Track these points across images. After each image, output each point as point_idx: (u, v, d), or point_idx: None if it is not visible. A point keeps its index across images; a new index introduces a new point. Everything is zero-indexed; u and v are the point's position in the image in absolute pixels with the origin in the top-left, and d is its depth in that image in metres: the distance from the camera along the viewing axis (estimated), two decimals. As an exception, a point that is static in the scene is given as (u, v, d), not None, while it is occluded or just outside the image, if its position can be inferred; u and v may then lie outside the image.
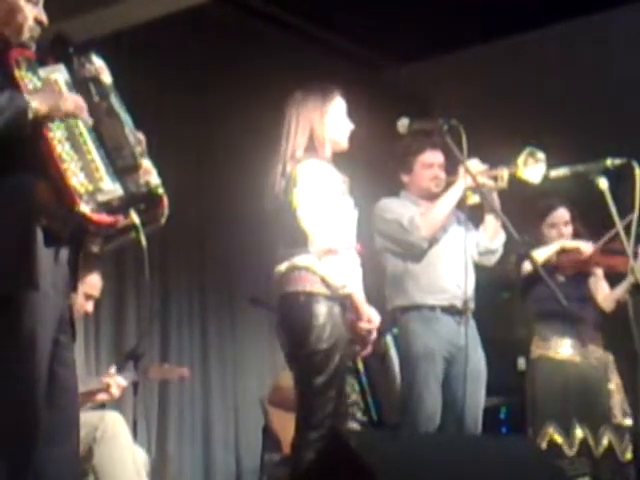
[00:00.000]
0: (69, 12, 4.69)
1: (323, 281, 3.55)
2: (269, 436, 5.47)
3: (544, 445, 4.50)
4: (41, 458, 2.62)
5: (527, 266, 4.70)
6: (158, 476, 4.52)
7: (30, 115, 2.53)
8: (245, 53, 6.37)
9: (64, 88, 2.71)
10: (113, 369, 4.58)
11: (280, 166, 3.66)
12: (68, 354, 2.77)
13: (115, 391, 4.48)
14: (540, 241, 4.84)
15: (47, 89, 2.66)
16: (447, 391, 4.31)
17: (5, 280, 2.55)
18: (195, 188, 6.14)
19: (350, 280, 3.58)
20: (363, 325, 3.62)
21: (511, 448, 3.17)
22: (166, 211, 2.73)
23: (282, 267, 3.63)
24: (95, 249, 2.78)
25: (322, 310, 3.52)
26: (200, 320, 6.61)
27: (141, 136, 2.78)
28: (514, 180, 4.35)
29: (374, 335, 3.68)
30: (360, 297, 3.61)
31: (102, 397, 4.43)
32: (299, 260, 3.59)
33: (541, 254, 4.71)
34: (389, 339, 4.97)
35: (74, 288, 2.83)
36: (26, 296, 2.57)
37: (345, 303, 3.59)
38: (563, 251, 4.80)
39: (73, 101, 2.64)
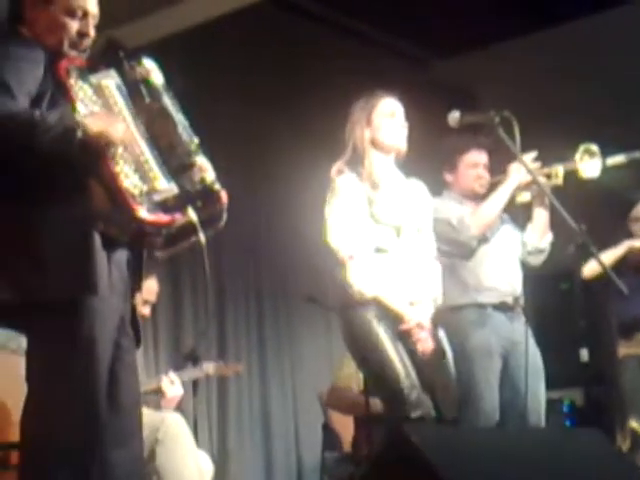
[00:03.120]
0: (120, 20, 4.72)
1: (349, 290, 3.63)
2: (329, 433, 5.47)
3: (628, 441, 4.48)
4: (107, 460, 2.64)
5: (594, 267, 4.62)
6: (220, 476, 4.54)
7: (78, 135, 2.54)
8: (295, 54, 6.36)
9: (115, 93, 2.72)
10: (171, 370, 4.62)
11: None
12: (130, 357, 2.78)
13: (175, 391, 4.50)
14: (631, 236, 4.82)
15: (102, 111, 2.67)
16: (507, 388, 4.29)
17: (66, 285, 2.56)
18: (249, 188, 6.16)
19: (372, 284, 3.58)
20: (404, 326, 3.63)
21: (580, 442, 3.12)
22: (225, 207, 2.72)
23: (334, 280, 3.73)
24: (159, 254, 2.78)
25: (362, 320, 3.60)
26: (256, 319, 6.64)
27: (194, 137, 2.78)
28: (570, 177, 4.31)
29: (419, 334, 3.67)
30: (388, 299, 3.62)
31: (164, 398, 4.47)
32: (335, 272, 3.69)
33: (609, 256, 4.68)
34: (442, 334, 4.92)
35: (138, 290, 2.85)
36: (85, 300, 2.58)
37: (381, 307, 3.62)
38: (631, 251, 4.77)
39: (123, 129, 2.65)
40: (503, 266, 4.36)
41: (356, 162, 3.74)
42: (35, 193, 2.58)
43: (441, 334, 4.67)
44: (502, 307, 4.34)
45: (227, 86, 6.31)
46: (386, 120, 3.76)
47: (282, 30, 6.36)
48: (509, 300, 4.34)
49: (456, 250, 4.36)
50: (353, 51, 6.55)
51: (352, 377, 5.13)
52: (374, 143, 3.74)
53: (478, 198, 4.41)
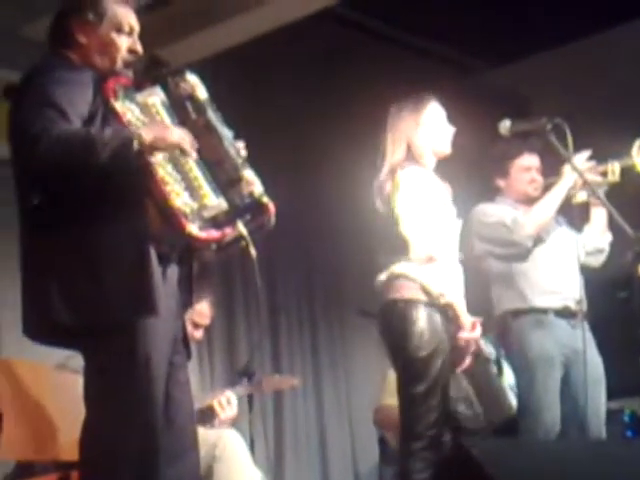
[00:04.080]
0: (166, 38, 4.77)
1: (422, 288, 3.52)
2: (386, 448, 5.43)
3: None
4: (163, 477, 2.64)
5: None
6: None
7: (135, 146, 2.56)
8: (342, 65, 6.37)
9: (161, 110, 2.74)
10: (227, 391, 4.62)
11: (380, 178, 3.65)
12: (182, 374, 2.80)
13: (230, 409, 4.50)
14: None
15: (153, 122, 2.69)
16: (567, 397, 4.22)
17: (125, 308, 2.57)
18: (299, 200, 6.15)
19: (449, 289, 3.53)
20: (464, 335, 3.56)
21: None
22: (273, 218, 2.72)
23: (382, 276, 3.62)
24: (207, 257, 2.79)
25: (421, 317, 3.51)
26: (310, 332, 6.63)
27: (241, 144, 2.78)
28: (629, 174, 4.24)
29: (474, 346, 3.62)
30: (460, 306, 3.56)
31: (221, 416, 4.47)
32: (398, 268, 3.58)
33: None
34: (487, 342, 4.86)
35: (188, 306, 2.85)
36: (141, 322, 2.59)
37: (445, 311, 3.54)
38: None
39: (179, 134, 2.66)
40: (562, 269, 4.29)
41: (412, 160, 3.67)
42: (93, 215, 2.60)
43: (488, 341, 4.61)
44: (564, 313, 4.27)
45: (275, 97, 6.34)
46: (437, 122, 3.73)
47: (329, 43, 6.38)
48: (571, 305, 4.26)
49: (511, 251, 4.30)
50: (401, 61, 6.55)
51: (395, 394, 5.09)
52: (424, 144, 3.69)
53: (532, 202, 4.36)
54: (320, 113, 6.38)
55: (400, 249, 3.58)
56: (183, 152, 2.65)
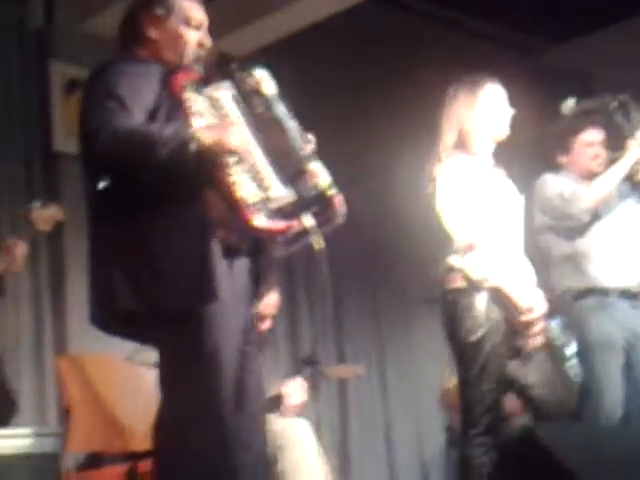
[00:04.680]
0: (225, 28, 4.80)
1: (466, 277, 3.51)
2: (453, 434, 5.41)
3: None
4: (234, 466, 2.67)
5: None
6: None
7: (194, 148, 2.58)
8: (399, 49, 6.34)
9: (228, 104, 2.75)
10: (290, 377, 4.63)
11: (430, 164, 3.63)
12: (255, 364, 2.82)
13: (296, 397, 4.52)
14: None
15: (217, 122, 2.71)
16: (630, 381, 4.14)
17: (188, 296, 2.59)
18: (361, 189, 6.13)
19: (496, 273, 3.49)
20: (522, 318, 3.52)
21: None
22: (341, 210, 2.72)
23: (438, 267, 3.62)
24: (277, 254, 2.81)
25: (468, 304, 3.49)
26: (373, 321, 6.63)
27: (311, 137, 2.79)
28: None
29: (539, 326, 3.57)
30: (511, 289, 3.51)
31: (294, 405, 4.49)
32: (448, 259, 3.58)
33: None
34: (554, 325, 4.78)
35: (259, 298, 2.87)
36: (208, 310, 2.61)
37: (498, 296, 3.51)
38: None
39: (238, 137, 2.67)
40: (625, 247, 4.20)
41: (461, 147, 3.64)
42: (155, 205, 2.63)
43: (554, 324, 4.54)
44: (626, 294, 4.19)
45: (332, 86, 6.32)
46: (490, 105, 3.68)
47: (385, 26, 6.35)
48: (633, 286, 4.18)
49: (567, 224, 4.23)
50: (460, 45, 6.50)
51: None
52: (479, 128, 3.65)
53: (596, 178, 4.28)
54: (379, 99, 6.35)
55: (446, 240, 3.58)
56: (240, 155, 2.66)
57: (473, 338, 3.46)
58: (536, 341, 3.61)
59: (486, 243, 3.52)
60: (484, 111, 3.65)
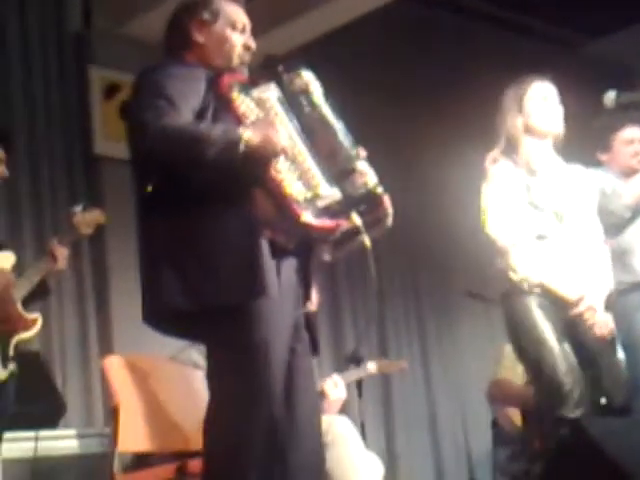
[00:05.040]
0: (262, 28, 4.81)
1: (508, 278, 3.59)
2: (499, 429, 5.39)
3: None
4: (286, 464, 2.69)
5: None
6: (390, 477, 4.54)
7: (242, 148, 2.60)
8: (443, 47, 6.33)
9: (276, 105, 2.77)
10: (334, 374, 4.64)
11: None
12: (305, 362, 2.82)
13: (333, 393, 4.52)
14: None
15: (264, 122, 2.72)
16: None
17: (238, 292, 2.61)
18: (403, 184, 6.13)
19: (537, 271, 3.50)
20: (574, 310, 3.54)
21: None
22: (389, 211, 2.73)
23: (492, 269, 3.67)
24: (326, 257, 2.82)
25: (522, 304, 3.54)
26: (416, 316, 6.62)
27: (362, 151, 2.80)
28: None
29: (593, 319, 3.57)
30: (554, 284, 3.54)
31: (337, 402, 4.49)
32: (498, 262, 3.63)
33: None
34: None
35: (307, 298, 2.88)
36: (257, 306, 2.62)
37: (547, 293, 3.55)
38: None
39: (287, 137, 2.69)
40: None
41: (510, 150, 3.69)
42: (203, 203, 2.65)
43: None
44: None
45: (374, 84, 6.32)
46: (539, 104, 3.68)
47: (430, 24, 6.33)
48: None
49: (609, 220, 4.21)
50: (503, 40, 6.47)
51: (512, 369, 5.04)
52: (528, 129, 3.66)
53: (636, 174, 4.27)
54: (423, 97, 6.34)
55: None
56: (288, 155, 2.68)
57: (534, 337, 3.49)
58: (601, 330, 3.61)
59: (525, 242, 3.55)
60: (532, 113, 3.65)
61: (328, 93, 2.80)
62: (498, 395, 5.31)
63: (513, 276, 3.56)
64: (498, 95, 3.74)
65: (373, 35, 6.09)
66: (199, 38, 2.86)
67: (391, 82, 6.37)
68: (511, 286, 3.58)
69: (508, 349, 4.86)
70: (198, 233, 2.64)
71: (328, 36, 5.74)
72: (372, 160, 2.77)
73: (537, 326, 3.52)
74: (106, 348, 5.18)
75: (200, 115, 2.70)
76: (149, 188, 2.70)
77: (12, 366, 3.46)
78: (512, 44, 6.46)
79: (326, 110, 2.77)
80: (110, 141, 5.43)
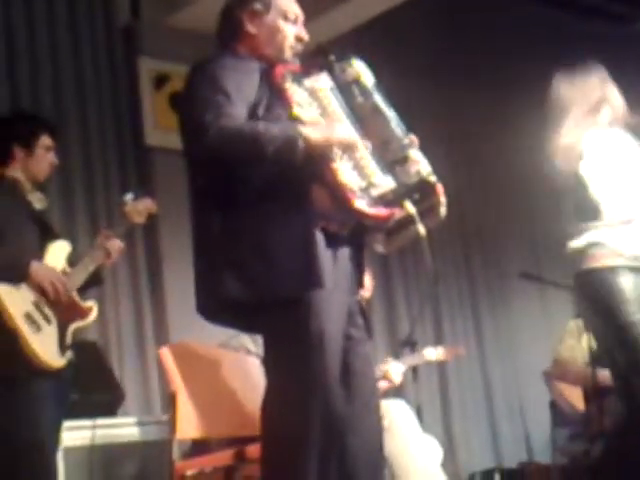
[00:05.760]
0: (309, 15, 4.80)
1: (617, 253, 3.43)
2: (557, 410, 5.35)
3: None
4: (346, 450, 2.70)
5: None
6: (448, 460, 4.53)
7: (301, 145, 2.62)
8: (490, 28, 6.27)
9: (328, 95, 2.78)
10: (389, 358, 4.64)
11: (562, 140, 3.55)
12: (362, 348, 2.83)
13: (395, 377, 4.52)
14: None
15: (320, 116, 2.73)
16: None
17: (293, 283, 2.63)
18: (455, 166, 6.10)
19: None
20: None
21: None
22: (443, 199, 2.72)
23: (576, 243, 3.53)
24: (380, 249, 2.83)
25: (626, 283, 3.41)
26: (470, 299, 6.59)
27: (415, 139, 2.78)
28: None
29: None
30: None
31: (383, 385, 4.48)
32: (594, 235, 3.48)
33: None
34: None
35: (360, 286, 2.88)
36: (312, 296, 2.64)
37: None
38: None
39: (344, 132, 2.70)
40: None
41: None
42: (261, 196, 2.68)
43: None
44: None
45: (422, 68, 6.28)
46: (611, 89, 3.61)
47: (475, 6, 6.26)
48: None
49: None
50: (552, 17, 6.38)
51: (575, 348, 4.99)
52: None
53: None
54: (475, 77, 6.29)
55: (592, 215, 3.48)
56: (347, 148, 2.68)
57: (632, 319, 3.37)
58: None
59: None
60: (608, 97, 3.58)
61: (378, 80, 2.80)
62: (560, 374, 5.27)
63: (621, 253, 3.40)
64: (549, 74, 3.68)
65: (420, 19, 6.05)
66: (251, 29, 2.87)
67: (438, 65, 6.33)
68: (595, 262, 3.43)
69: (570, 328, 4.81)
70: (254, 225, 2.66)
71: (374, 21, 5.71)
72: (422, 144, 2.76)
73: (626, 305, 3.39)
74: (161, 336, 5.23)
75: (255, 107, 2.71)
76: (203, 181, 2.73)
77: (70, 354, 3.50)
78: (562, 21, 6.38)
79: (378, 99, 2.77)
80: (160, 131, 5.47)
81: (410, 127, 2.80)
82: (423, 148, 2.78)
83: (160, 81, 5.53)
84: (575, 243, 3.53)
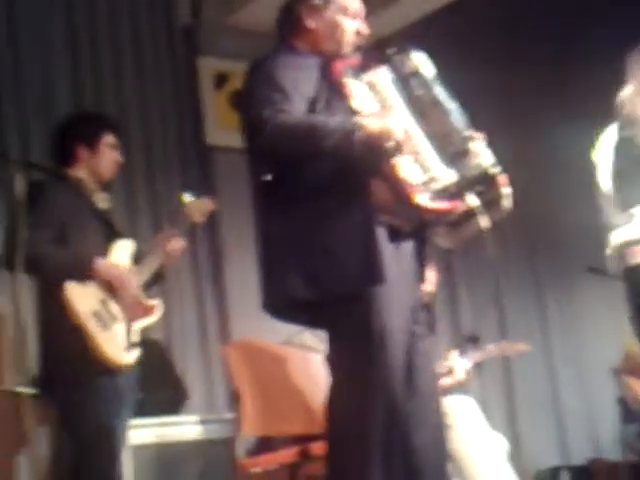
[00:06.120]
0: (373, 8, 4.80)
1: None
2: (626, 406, 5.27)
3: None
4: (409, 446, 2.69)
5: None
6: (514, 456, 4.48)
7: (359, 136, 2.61)
8: (559, 13, 6.18)
9: (388, 88, 2.76)
10: (455, 353, 4.60)
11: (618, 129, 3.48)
12: (425, 344, 2.82)
13: (460, 374, 4.48)
14: None
15: (378, 108, 2.72)
16: None
17: (353, 279, 2.63)
18: (520, 157, 6.01)
19: None
20: None
21: None
22: (507, 192, 2.68)
23: (618, 237, 3.46)
24: (443, 243, 2.81)
25: None
26: (535, 294, 6.51)
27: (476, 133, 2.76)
28: None
29: None
30: None
31: (448, 382, 4.45)
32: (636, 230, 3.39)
33: None
34: None
35: (423, 280, 2.87)
36: (374, 292, 2.63)
37: None
38: None
39: (403, 121, 2.68)
40: None
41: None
42: (322, 192, 2.68)
43: None
44: None
45: (486, 57, 6.22)
46: None
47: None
48: None
49: None
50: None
51: None
52: None
53: None
54: (543, 64, 6.22)
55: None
56: (405, 140, 2.66)
57: None
58: None
59: None
60: None
61: (441, 69, 2.77)
62: (630, 368, 5.18)
63: None
64: (618, 61, 3.60)
65: (486, 6, 5.98)
66: (310, 24, 2.88)
67: (503, 50, 6.26)
68: None
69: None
70: (314, 222, 2.67)
71: (440, 11, 5.66)
72: (488, 133, 2.73)
73: None
74: (224, 333, 5.25)
75: (314, 102, 2.72)
76: (266, 178, 2.73)
77: (137, 352, 3.51)
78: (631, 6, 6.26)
79: (438, 91, 2.75)
80: (221, 130, 5.49)
81: (473, 115, 2.78)
82: (489, 136, 2.75)
83: (220, 80, 5.56)
84: (616, 237, 3.46)
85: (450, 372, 4.43)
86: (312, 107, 2.71)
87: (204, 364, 5.22)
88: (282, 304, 2.72)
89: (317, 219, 2.66)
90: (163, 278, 3.91)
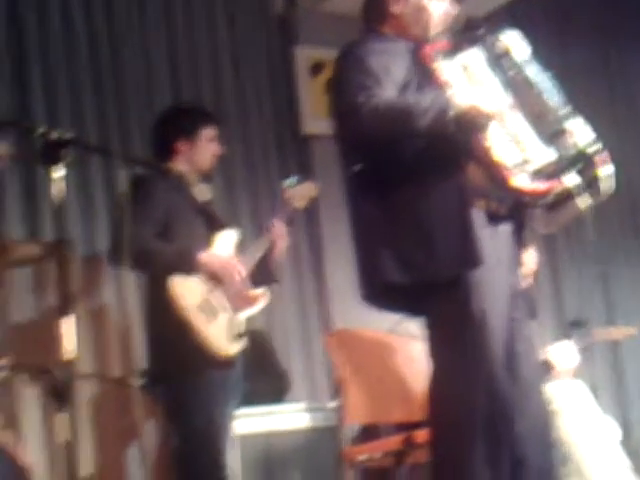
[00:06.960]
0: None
1: None
2: None
3: None
4: (514, 433, 2.65)
5: None
6: (625, 441, 4.39)
7: (452, 114, 2.59)
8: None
9: (480, 69, 2.73)
10: (560, 339, 4.52)
11: None
12: (525, 329, 2.78)
13: (565, 358, 4.40)
14: None
15: (473, 81, 2.68)
16: None
17: (451, 261, 2.60)
18: (623, 135, 5.87)
19: None
20: None
21: None
22: (607, 171, 2.61)
23: None
24: (541, 228, 2.75)
25: None
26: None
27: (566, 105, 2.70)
28: None
29: None
30: None
31: (554, 367, 4.38)
32: None
33: None
34: None
35: (519, 263, 2.81)
36: (472, 277, 2.61)
37: None
38: None
39: (495, 100, 2.65)
40: None
41: None
42: (415, 177, 2.64)
43: None
44: None
45: (583, 31, 6.08)
46: None
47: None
48: None
49: None
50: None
51: None
52: None
53: None
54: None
55: None
56: (497, 118, 2.62)
57: None
58: None
59: None
60: None
61: (538, 47, 2.71)
62: None
63: None
64: None
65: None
66: (395, 9, 2.86)
67: (601, 23, 6.11)
68: None
69: None
70: (408, 206, 2.65)
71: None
72: (584, 108, 2.65)
73: None
74: (325, 322, 5.25)
75: (405, 87, 2.70)
76: (358, 167, 2.71)
77: (242, 343, 3.53)
78: None
79: (530, 71, 2.70)
80: (318, 119, 5.48)
81: (574, 95, 2.70)
82: (585, 113, 2.68)
83: (316, 68, 5.54)
84: None
85: (555, 357, 4.35)
86: (403, 92, 2.69)
87: (306, 353, 5.23)
88: (378, 291, 2.71)
89: (411, 201, 2.65)
90: (276, 279, 3.91)
